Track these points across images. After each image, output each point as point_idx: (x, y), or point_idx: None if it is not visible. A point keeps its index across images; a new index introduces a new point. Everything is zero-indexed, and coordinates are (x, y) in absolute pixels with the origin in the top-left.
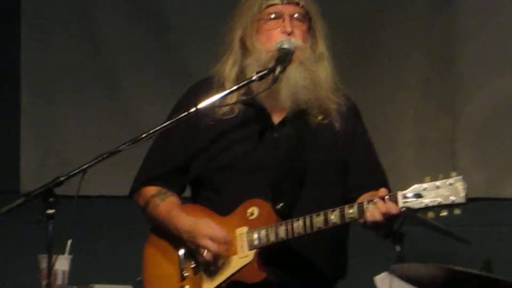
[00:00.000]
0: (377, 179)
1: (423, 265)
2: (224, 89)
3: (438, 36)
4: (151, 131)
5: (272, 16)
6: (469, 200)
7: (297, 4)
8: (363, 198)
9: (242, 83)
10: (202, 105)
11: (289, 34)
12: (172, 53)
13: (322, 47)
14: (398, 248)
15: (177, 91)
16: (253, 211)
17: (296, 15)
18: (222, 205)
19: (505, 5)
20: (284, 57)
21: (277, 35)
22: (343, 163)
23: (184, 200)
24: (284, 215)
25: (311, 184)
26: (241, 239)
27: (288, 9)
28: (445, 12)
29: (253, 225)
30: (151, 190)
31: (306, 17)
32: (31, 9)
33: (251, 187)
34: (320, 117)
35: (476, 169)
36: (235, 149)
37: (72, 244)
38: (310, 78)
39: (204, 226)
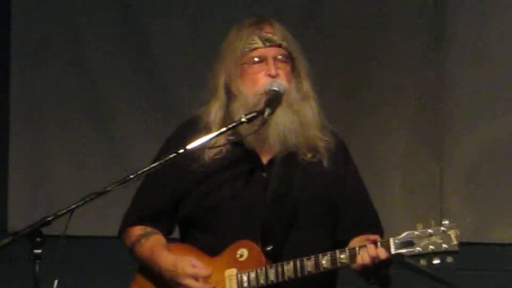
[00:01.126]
0: (368, 220)
1: None
2: (211, 132)
3: (427, 78)
4: (139, 172)
5: (256, 59)
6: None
7: (280, 45)
8: (355, 241)
9: (231, 125)
10: (191, 146)
11: (274, 76)
12: (163, 92)
13: (306, 86)
14: None
15: (167, 130)
16: (243, 252)
17: (279, 57)
18: (211, 245)
19: (494, 48)
20: (273, 99)
21: (262, 78)
22: (332, 203)
23: (173, 241)
24: (274, 257)
25: (301, 224)
26: (230, 281)
27: (271, 52)
28: (435, 55)
29: (243, 267)
30: (137, 230)
31: (289, 58)
32: (21, 43)
33: (240, 228)
34: (309, 156)
35: (464, 213)
36: (224, 190)
37: (58, 284)
38: (298, 120)
39: (185, 265)
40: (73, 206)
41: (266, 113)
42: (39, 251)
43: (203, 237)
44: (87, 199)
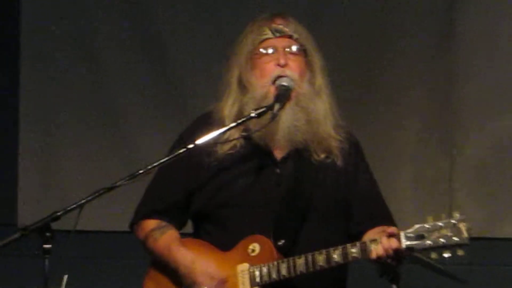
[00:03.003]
0: (381, 214)
1: None
2: (224, 127)
3: (437, 75)
4: (149, 167)
5: (266, 51)
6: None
7: (291, 37)
8: (371, 232)
9: (241, 120)
10: (200, 141)
11: (283, 66)
12: (173, 89)
13: (320, 81)
14: (394, 287)
15: (177, 126)
16: (255, 247)
17: (290, 49)
18: (224, 240)
19: (505, 46)
20: (283, 95)
21: (271, 69)
22: (345, 201)
23: (185, 235)
24: (286, 252)
25: (314, 220)
26: (242, 275)
27: (282, 43)
28: (445, 52)
29: (254, 262)
30: (150, 223)
31: (301, 51)
32: (31, 40)
33: (253, 223)
34: (322, 156)
35: (473, 208)
36: (237, 185)
37: (68, 279)
38: (305, 117)
39: (202, 263)
40: (83, 201)
41: (275, 108)
42: (48, 246)
43: (216, 232)
44: (97, 194)
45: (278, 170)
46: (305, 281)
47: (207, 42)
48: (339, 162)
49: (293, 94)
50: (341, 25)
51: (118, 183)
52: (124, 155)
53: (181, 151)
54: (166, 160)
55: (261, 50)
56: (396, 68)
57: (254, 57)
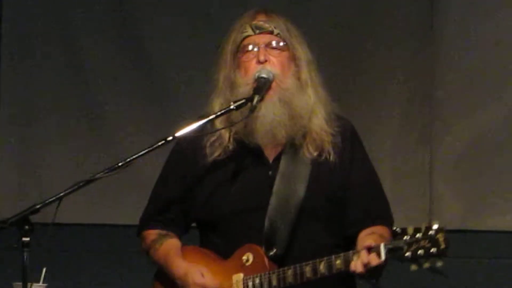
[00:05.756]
0: (375, 211)
1: None
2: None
3: (416, 69)
4: (128, 159)
5: (248, 48)
6: (447, 232)
7: (271, 32)
8: (361, 235)
9: (220, 112)
10: (180, 133)
11: (262, 63)
12: (156, 88)
13: (305, 74)
14: (373, 280)
15: (158, 125)
16: (248, 257)
17: (272, 44)
18: (224, 248)
19: (486, 39)
20: (262, 87)
21: (253, 66)
22: (340, 200)
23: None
24: (280, 260)
25: (307, 225)
26: (237, 286)
27: (262, 39)
28: (425, 46)
29: (248, 272)
30: (151, 233)
31: (284, 45)
32: (11, 33)
33: (248, 229)
34: (315, 153)
35: (453, 201)
36: (230, 191)
37: (47, 272)
38: (289, 112)
39: (195, 275)
40: (62, 194)
41: (255, 100)
42: (27, 239)
43: (216, 240)
44: (76, 187)
45: (270, 172)
46: (312, 285)
47: (189, 45)
48: (332, 158)
49: (276, 89)
50: (320, 22)
51: (97, 176)
52: (104, 148)
53: (160, 143)
54: (145, 153)
55: (244, 48)
56: (375, 61)
57: (237, 55)
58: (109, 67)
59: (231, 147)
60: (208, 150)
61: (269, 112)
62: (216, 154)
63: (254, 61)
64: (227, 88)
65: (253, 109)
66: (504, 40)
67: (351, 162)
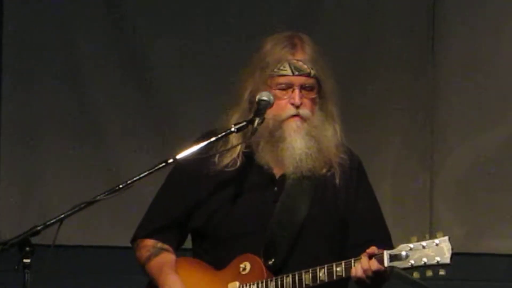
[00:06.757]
0: (378, 239)
1: None
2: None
3: (418, 92)
4: (129, 181)
5: (283, 86)
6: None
7: (308, 74)
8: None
9: (221, 135)
10: (181, 155)
11: (298, 106)
12: (156, 106)
13: (331, 106)
14: None
15: (159, 143)
16: (245, 266)
17: (306, 85)
18: (220, 257)
19: (486, 62)
20: (263, 109)
21: (286, 106)
22: (342, 221)
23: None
24: (277, 270)
25: (308, 240)
26: None
27: (299, 80)
28: (426, 69)
29: (245, 280)
30: (147, 243)
31: (316, 83)
32: (13, 56)
33: (246, 241)
34: (323, 170)
35: (453, 224)
36: (234, 203)
37: None
38: (317, 146)
39: None
40: (63, 215)
41: (256, 123)
42: (28, 260)
43: (212, 250)
44: (77, 208)
45: (276, 188)
46: None
47: (190, 60)
48: (339, 179)
49: (306, 127)
50: (323, 42)
51: (98, 198)
52: (105, 170)
53: (161, 165)
54: (146, 175)
55: (278, 83)
56: (377, 84)
57: (268, 82)
58: (111, 88)
59: (239, 160)
60: (217, 159)
61: (299, 145)
62: (225, 163)
63: (286, 100)
64: (248, 105)
65: (254, 132)
66: (505, 64)
67: (357, 189)
